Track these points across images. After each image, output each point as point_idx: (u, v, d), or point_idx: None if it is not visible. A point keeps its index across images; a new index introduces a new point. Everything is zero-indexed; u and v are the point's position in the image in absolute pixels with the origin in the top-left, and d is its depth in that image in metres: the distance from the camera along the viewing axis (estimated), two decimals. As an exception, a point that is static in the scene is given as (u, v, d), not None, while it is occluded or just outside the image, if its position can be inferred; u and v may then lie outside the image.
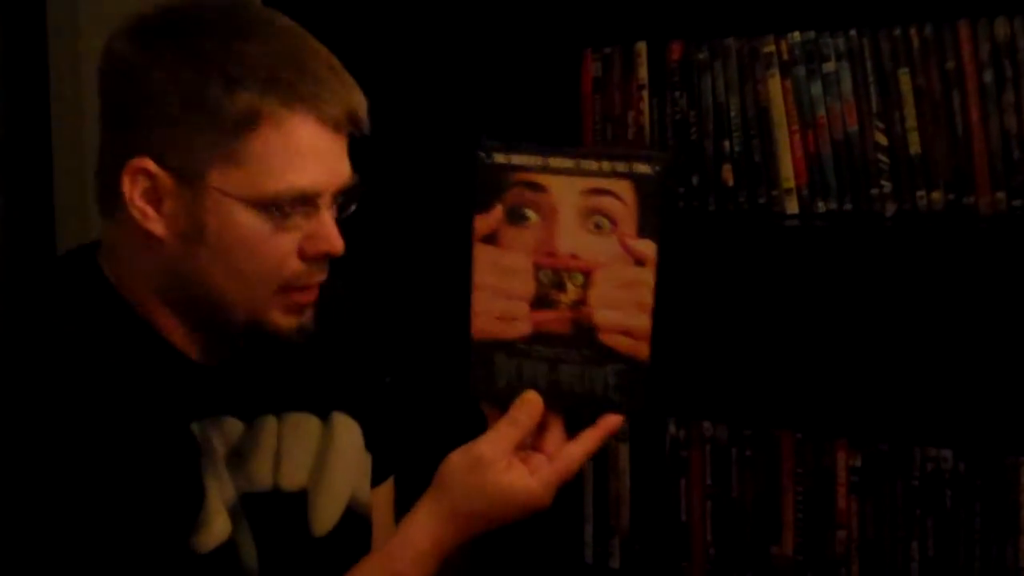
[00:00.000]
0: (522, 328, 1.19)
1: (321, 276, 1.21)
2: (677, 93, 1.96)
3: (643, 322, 1.16)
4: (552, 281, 1.18)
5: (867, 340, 2.02)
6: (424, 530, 1.21)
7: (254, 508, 1.24)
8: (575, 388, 1.19)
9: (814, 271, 2.04)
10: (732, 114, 1.92)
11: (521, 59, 2.13)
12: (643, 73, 1.99)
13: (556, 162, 1.17)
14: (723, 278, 2.12)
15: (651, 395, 1.18)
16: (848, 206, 1.86)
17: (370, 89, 1.21)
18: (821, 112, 1.85)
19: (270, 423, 1.28)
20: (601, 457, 2.07)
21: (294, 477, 1.29)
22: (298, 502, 1.29)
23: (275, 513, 1.26)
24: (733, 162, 1.93)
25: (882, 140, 1.82)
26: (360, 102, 1.19)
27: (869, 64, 1.82)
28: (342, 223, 1.21)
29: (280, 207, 1.15)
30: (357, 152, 1.22)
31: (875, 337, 2.01)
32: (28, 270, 2.43)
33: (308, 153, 1.15)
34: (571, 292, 1.17)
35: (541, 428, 1.21)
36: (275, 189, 1.14)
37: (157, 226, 1.16)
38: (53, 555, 1.10)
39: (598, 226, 1.16)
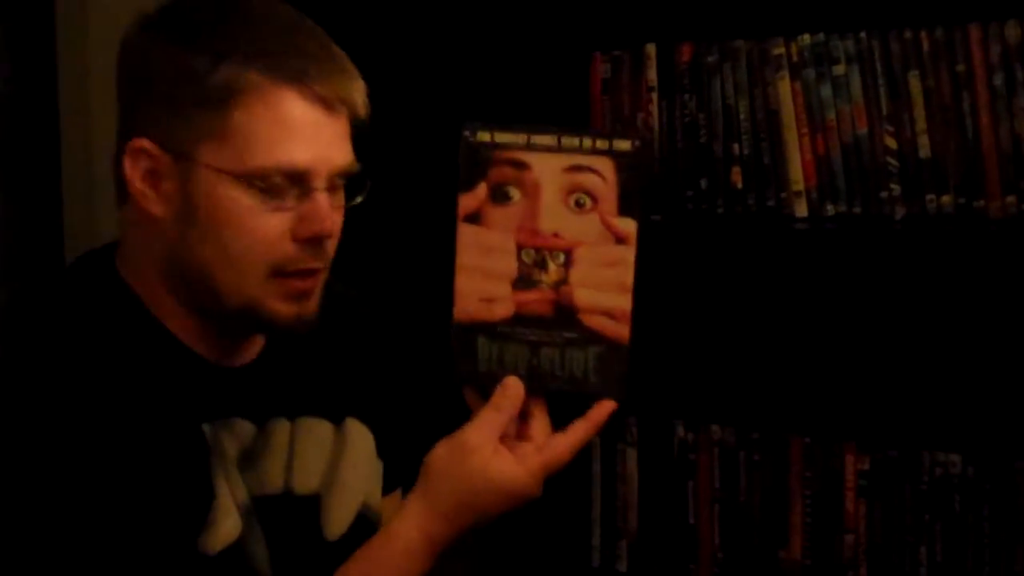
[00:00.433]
0: (504, 310, 1.19)
1: (317, 263, 1.19)
2: (686, 95, 1.96)
3: (624, 303, 1.17)
4: (534, 260, 1.18)
5: (876, 344, 2.01)
6: (412, 522, 1.20)
7: (266, 511, 1.23)
8: (556, 371, 1.19)
9: (823, 274, 2.04)
10: (741, 116, 1.92)
11: (530, 61, 2.13)
12: (652, 75, 1.99)
13: (538, 139, 1.17)
14: (731, 281, 2.11)
15: (631, 380, 1.18)
16: (857, 209, 1.85)
17: (377, 87, 1.21)
18: (831, 115, 1.85)
19: (282, 426, 1.27)
20: (609, 460, 2.07)
21: (307, 481, 1.28)
22: (311, 506, 1.29)
23: (287, 516, 1.26)
24: (742, 165, 1.93)
25: (892, 143, 1.81)
26: (356, 86, 1.18)
27: (879, 66, 1.81)
28: (348, 216, 1.21)
29: (268, 182, 1.14)
30: (364, 151, 1.21)
31: (884, 341, 2.00)
32: (40, 269, 2.44)
33: (296, 128, 1.14)
34: (553, 272, 1.17)
35: (526, 415, 1.21)
36: (262, 163, 1.14)
37: (157, 207, 1.17)
38: (60, 552, 1.09)
39: (579, 204, 1.17)
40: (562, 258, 1.17)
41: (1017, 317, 1.89)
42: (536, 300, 1.18)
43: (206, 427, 1.20)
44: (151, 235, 1.18)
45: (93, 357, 1.16)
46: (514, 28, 2.14)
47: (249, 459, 1.23)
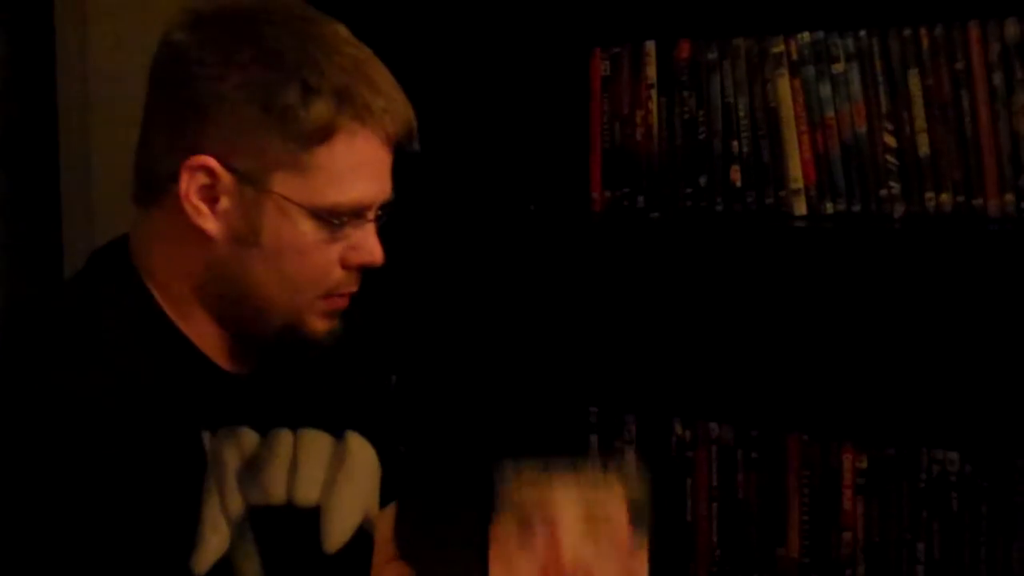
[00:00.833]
0: None
1: (356, 286, 1.22)
2: (686, 93, 1.96)
3: None
4: None
5: (874, 342, 2.01)
6: None
7: (263, 522, 1.23)
8: None
9: (822, 272, 2.04)
10: (740, 114, 1.92)
11: (530, 58, 2.13)
12: (652, 72, 1.98)
13: (557, 472, 1.19)
14: (730, 279, 2.11)
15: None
16: (856, 207, 1.85)
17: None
18: (830, 113, 1.85)
19: (286, 437, 1.27)
20: (607, 458, 2.07)
21: (308, 493, 1.28)
22: (311, 518, 1.28)
23: (286, 528, 1.25)
24: (741, 162, 1.93)
25: (891, 141, 1.81)
26: (414, 119, 1.20)
27: (878, 65, 1.81)
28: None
29: (338, 217, 1.17)
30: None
31: (882, 339, 2.00)
32: (38, 269, 2.44)
33: (369, 166, 1.17)
34: None
35: None
36: (336, 200, 1.16)
37: (210, 224, 1.17)
38: (42, 563, 1.09)
39: (597, 531, 1.18)
40: None
41: (1015, 316, 1.89)
42: None
43: (207, 437, 1.20)
44: (191, 245, 1.18)
45: (104, 360, 1.15)
46: (514, 25, 2.14)
47: (250, 469, 1.23)
